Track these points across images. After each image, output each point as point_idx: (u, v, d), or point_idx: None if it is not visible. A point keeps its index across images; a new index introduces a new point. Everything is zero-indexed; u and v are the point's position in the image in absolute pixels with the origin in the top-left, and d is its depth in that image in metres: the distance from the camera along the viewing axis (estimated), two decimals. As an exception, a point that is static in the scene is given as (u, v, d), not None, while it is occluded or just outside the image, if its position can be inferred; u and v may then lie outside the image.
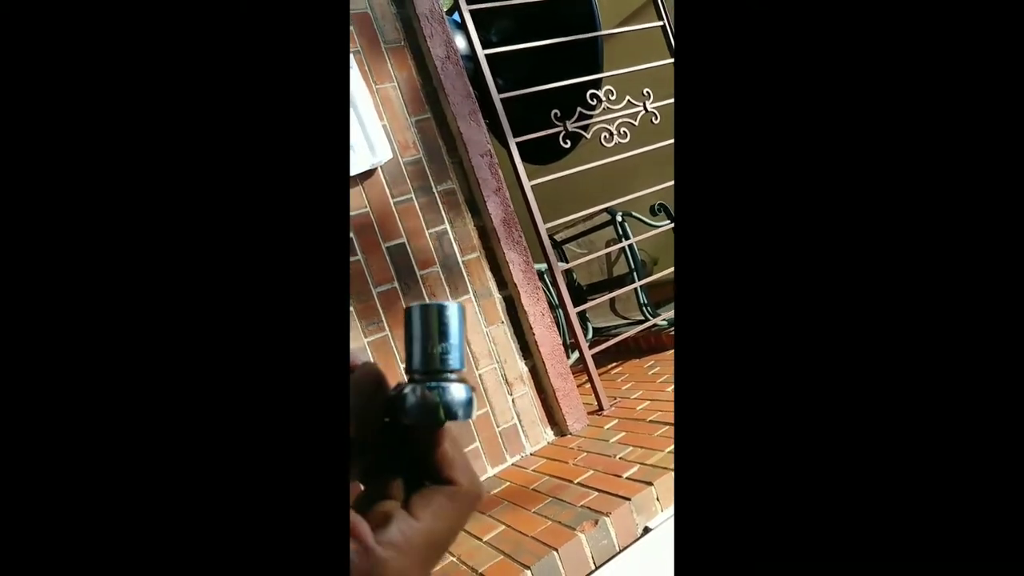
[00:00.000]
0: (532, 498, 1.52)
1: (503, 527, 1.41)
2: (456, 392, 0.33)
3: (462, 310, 0.34)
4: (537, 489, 1.57)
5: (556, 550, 1.24)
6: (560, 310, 2.26)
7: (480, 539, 1.38)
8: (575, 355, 2.32)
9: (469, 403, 0.33)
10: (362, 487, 0.34)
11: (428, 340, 0.33)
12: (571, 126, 2.05)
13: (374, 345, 1.70)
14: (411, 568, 0.31)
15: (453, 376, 0.33)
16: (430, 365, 0.33)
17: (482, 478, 1.77)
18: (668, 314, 2.47)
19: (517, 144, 1.97)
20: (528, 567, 1.21)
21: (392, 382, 0.33)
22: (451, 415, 0.33)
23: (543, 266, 2.06)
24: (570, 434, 1.89)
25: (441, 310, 0.33)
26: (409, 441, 0.34)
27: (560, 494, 1.48)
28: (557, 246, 2.80)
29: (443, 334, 0.33)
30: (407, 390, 0.33)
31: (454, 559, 1.33)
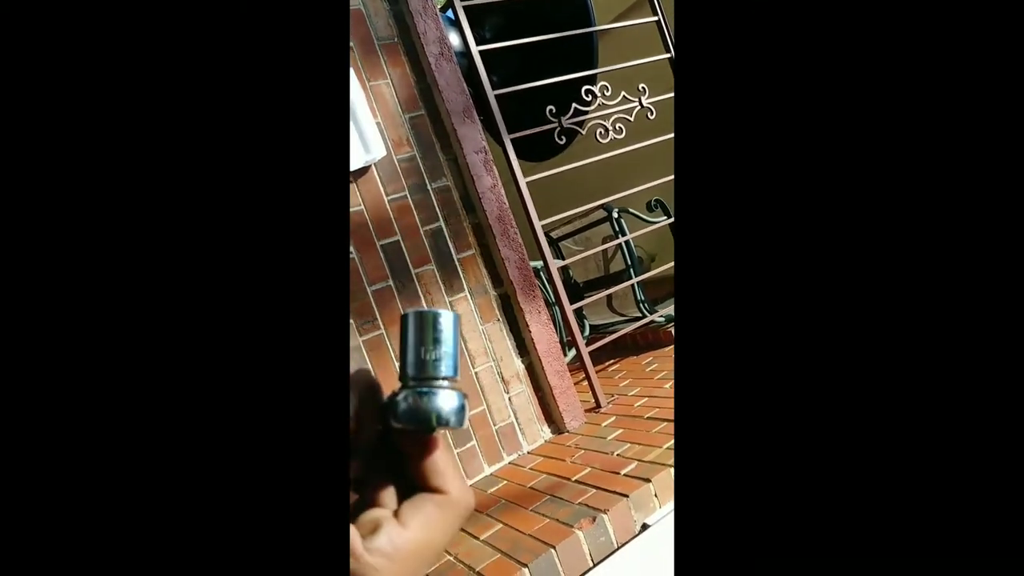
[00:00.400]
0: (529, 496, 1.51)
1: (501, 526, 1.40)
2: (448, 399, 0.33)
3: (457, 318, 0.34)
4: (534, 487, 1.56)
5: (554, 548, 1.23)
6: (556, 308, 2.25)
7: (477, 538, 1.37)
8: (572, 353, 2.32)
9: (461, 410, 0.34)
10: (354, 494, 0.35)
11: (422, 347, 0.33)
12: (566, 122, 2.04)
13: (369, 344, 1.69)
14: (404, 575, 0.31)
15: (446, 383, 0.34)
16: (423, 372, 0.33)
17: (479, 477, 1.76)
18: (665, 310, 2.46)
19: (512, 141, 1.96)
20: (526, 565, 1.20)
21: (387, 380, 0.33)
22: (443, 422, 0.33)
23: (539, 263, 2.05)
24: (567, 432, 1.88)
25: (435, 317, 0.34)
26: (403, 449, 0.34)
27: (558, 492, 1.47)
28: (553, 243, 2.79)
29: (437, 341, 0.33)
30: (400, 396, 0.33)
31: (451, 558, 1.32)
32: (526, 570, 1.20)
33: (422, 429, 0.33)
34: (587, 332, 2.65)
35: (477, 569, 1.25)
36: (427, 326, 0.33)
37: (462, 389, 0.34)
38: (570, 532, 1.27)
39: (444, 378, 0.33)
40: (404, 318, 0.34)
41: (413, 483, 0.34)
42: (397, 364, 1.52)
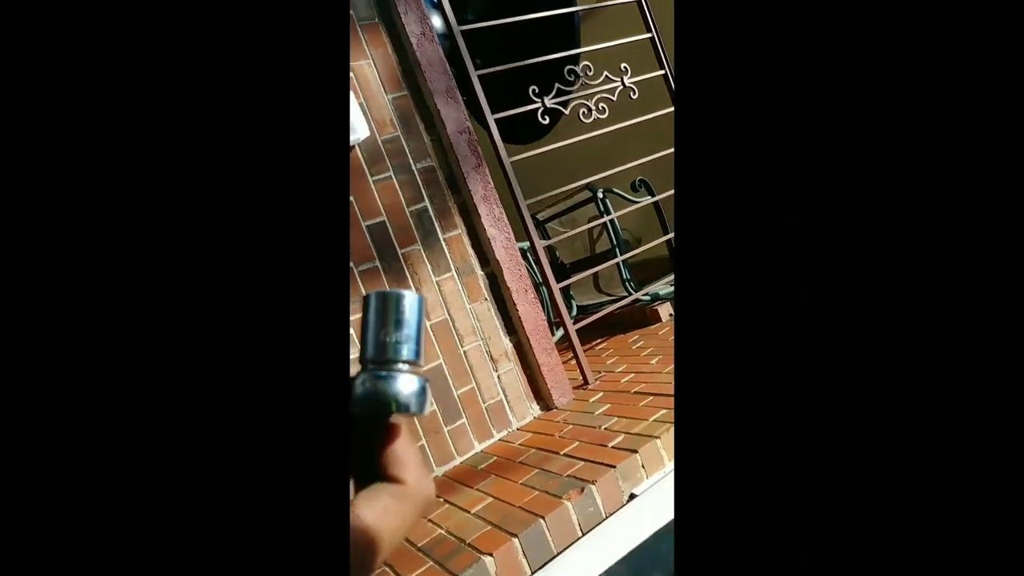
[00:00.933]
0: (519, 470, 1.53)
1: (491, 499, 1.42)
2: (408, 383, 0.32)
3: (421, 300, 0.33)
4: (524, 461, 1.58)
5: (543, 518, 1.25)
6: (544, 288, 2.27)
7: (468, 511, 1.39)
8: (560, 332, 2.33)
9: (422, 393, 0.32)
10: None
11: (383, 329, 0.32)
12: (549, 102, 2.04)
13: (356, 324, 1.69)
14: (353, 567, 0.30)
15: (406, 367, 0.32)
16: (383, 354, 0.32)
17: (470, 454, 1.78)
18: (651, 289, 2.48)
19: (497, 124, 1.96)
20: (516, 535, 1.22)
21: None
22: (402, 406, 0.32)
23: (525, 244, 2.06)
24: (556, 408, 1.90)
25: (398, 299, 0.33)
26: (361, 436, 0.33)
27: (547, 465, 1.49)
28: (539, 225, 2.80)
29: (399, 323, 0.32)
30: (358, 380, 0.32)
31: (442, 531, 1.34)
32: (516, 540, 1.22)
33: (380, 414, 0.32)
34: (574, 312, 2.67)
35: (468, 541, 1.26)
36: (389, 307, 0.32)
37: (424, 373, 0.33)
38: (559, 503, 1.28)
39: (405, 361, 0.32)
40: (366, 299, 0.33)
41: (373, 471, 0.33)
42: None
